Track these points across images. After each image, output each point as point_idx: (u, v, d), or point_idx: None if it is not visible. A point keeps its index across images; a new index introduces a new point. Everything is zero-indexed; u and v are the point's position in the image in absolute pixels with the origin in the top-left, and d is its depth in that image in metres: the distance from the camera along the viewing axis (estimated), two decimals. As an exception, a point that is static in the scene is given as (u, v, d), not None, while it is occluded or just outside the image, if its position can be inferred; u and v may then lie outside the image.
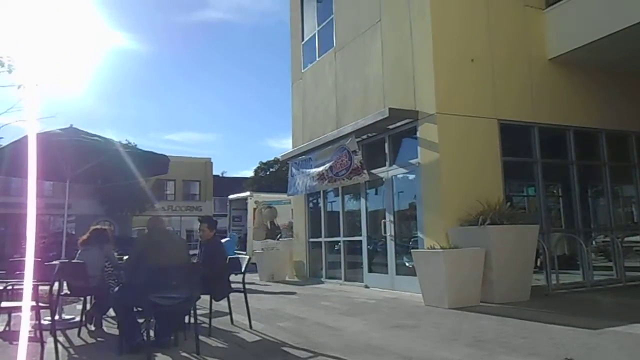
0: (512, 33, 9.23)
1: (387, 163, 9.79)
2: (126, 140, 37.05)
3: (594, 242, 10.79)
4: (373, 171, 10.22)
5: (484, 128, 8.61)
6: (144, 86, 76.64)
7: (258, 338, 5.49)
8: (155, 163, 7.70)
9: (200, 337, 4.97)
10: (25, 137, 6.27)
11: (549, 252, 8.32)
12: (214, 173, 45.17)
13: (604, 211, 10.28)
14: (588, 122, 9.60)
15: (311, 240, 12.67)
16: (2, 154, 6.52)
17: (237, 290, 6.06)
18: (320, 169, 10.86)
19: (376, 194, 10.66)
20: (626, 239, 10.49)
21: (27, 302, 4.25)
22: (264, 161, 42.13)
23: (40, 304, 4.94)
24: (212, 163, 44.06)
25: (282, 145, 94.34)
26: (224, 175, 49.59)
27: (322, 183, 10.99)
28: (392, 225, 9.52)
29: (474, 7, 9.00)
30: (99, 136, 6.99)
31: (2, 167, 6.52)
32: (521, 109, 9.00)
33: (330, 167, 10.50)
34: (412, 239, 9.24)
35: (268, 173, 40.92)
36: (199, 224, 6.54)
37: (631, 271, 9.56)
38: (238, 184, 37.93)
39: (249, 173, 44.83)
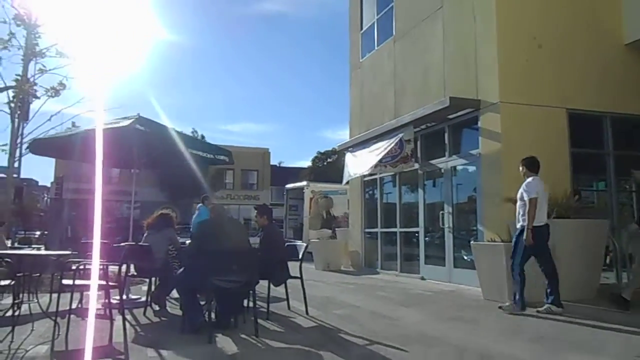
0: (585, 17, 8.74)
1: (447, 153, 9.58)
2: (192, 129, 38.27)
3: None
4: (432, 162, 10.05)
5: (550, 118, 8.23)
6: (202, 78, 78.85)
7: (314, 324, 5.55)
8: (217, 154, 7.91)
9: (259, 321, 5.09)
10: (89, 130, 6.65)
11: (619, 249, 7.87)
12: (272, 163, 45.90)
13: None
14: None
15: (367, 230, 12.64)
16: (74, 139, 6.90)
17: (295, 277, 6.14)
18: (375, 157, 10.71)
19: (434, 185, 10.47)
20: None
21: (94, 280, 4.51)
22: (322, 151, 42.33)
23: (109, 284, 5.21)
24: (269, 153, 44.76)
25: (338, 137, 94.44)
26: (281, 165, 50.29)
27: (365, 168, 10.94)
28: (451, 216, 9.33)
29: (542, -10, 8.60)
30: (164, 125, 7.27)
31: (74, 152, 6.89)
32: (592, 97, 8.52)
33: (378, 153, 10.38)
34: (471, 232, 9.02)
35: (325, 163, 41.08)
36: (256, 213, 6.68)
37: None
38: (295, 174, 38.39)
39: (306, 163, 45.29)
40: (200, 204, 11.38)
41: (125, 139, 6.76)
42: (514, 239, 6.44)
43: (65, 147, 7.16)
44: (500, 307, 6.25)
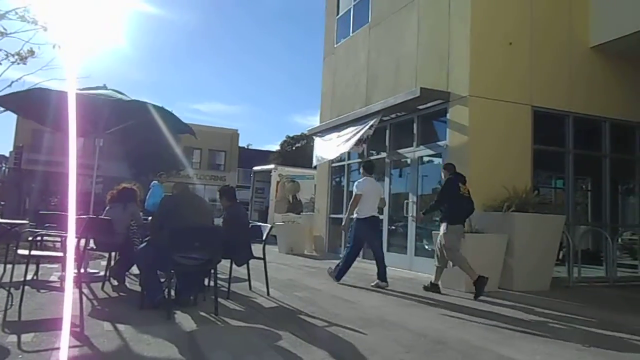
0: (554, 18, 8.95)
1: (415, 144, 9.70)
2: (161, 106, 37.41)
3: (619, 239, 10.57)
4: (399, 151, 10.16)
5: (516, 114, 8.43)
6: (171, 55, 77.10)
7: (275, 305, 5.58)
8: (181, 129, 7.77)
9: (219, 300, 5.07)
10: (59, 92, 6.41)
11: (573, 244, 8.18)
12: (240, 145, 45.44)
13: (634, 209, 10.03)
14: (626, 115, 9.30)
15: (332, 216, 12.72)
16: (40, 97, 6.61)
17: (258, 258, 6.14)
18: (341, 140, 10.76)
19: (400, 175, 10.60)
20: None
21: (70, 253, 4.41)
22: (291, 135, 42.12)
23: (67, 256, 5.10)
24: (238, 134, 44.26)
25: (308, 122, 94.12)
26: (250, 147, 49.84)
27: (339, 154, 11.10)
28: (415, 206, 9.48)
29: (516, -12, 8.73)
30: (130, 97, 7.08)
31: (38, 112, 6.61)
32: (557, 96, 8.77)
33: (349, 139, 10.44)
34: (434, 222, 9.18)
35: (294, 148, 40.92)
36: (219, 195, 6.59)
37: (657, 270, 9.37)
38: (263, 156, 38.12)
39: (275, 147, 45.00)
40: (154, 181, 11.13)
41: (92, 106, 6.53)
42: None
43: (29, 105, 6.84)
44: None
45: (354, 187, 7.62)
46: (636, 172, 9.72)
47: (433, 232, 8.06)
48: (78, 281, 5.07)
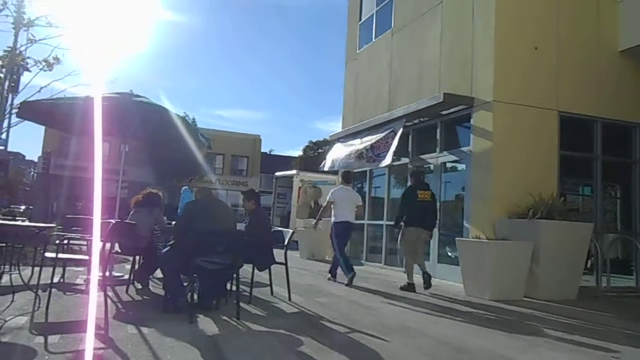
0: (582, 22, 8.79)
1: (438, 149, 9.61)
2: (184, 113, 37.98)
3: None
4: (422, 157, 10.08)
5: (542, 119, 8.29)
6: (196, 62, 78.13)
7: (296, 310, 5.57)
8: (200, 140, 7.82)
9: (241, 304, 5.09)
10: (84, 98, 6.54)
11: (601, 253, 7.98)
12: (262, 150, 45.74)
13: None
14: (657, 120, 9.06)
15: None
16: (66, 105, 6.75)
17: (279, 263, 6.16)
18: (361, 147, 10.67)
19: (429, 181, 10.47)
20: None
21: (95, 257, 4.49)
22: (314, 141, 42.24)
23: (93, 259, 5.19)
24: (261, 140, 44.60)
25: (330, 128, 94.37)
26: (272, 153, 50.11)
27: (359, 162, 10.80)
28: (439, 213, 9.35)
29: (542, -8, 8.61)
30: (156, 104, 7.19)
31: (64, 120, 6.75)
32: (584, 101, 8.59)
33: (372, 146, 10.31)
34: (457, 229, 9.07)
35: (316, 153, 40.99)
36: (243, 197, 6.67)
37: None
38: (285, 162, 38.26)
39: (297, 153, 45.14)
40: (184, 187, 11.29)
41: (119, 110, 6.64)
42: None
43: (55, 113, 6.98)
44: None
45: (329, 194, 8.49)
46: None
47: (456, 239, 7.98)
48: (103, 284, 5.17)
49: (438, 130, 9.63)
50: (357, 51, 13.37)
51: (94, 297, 3.91)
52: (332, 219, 8.22)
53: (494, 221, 7.65)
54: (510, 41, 8.33)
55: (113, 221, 5.57)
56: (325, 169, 12.80)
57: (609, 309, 6.72)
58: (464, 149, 8.80)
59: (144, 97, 6.91)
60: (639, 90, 8.92)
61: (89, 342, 3.59)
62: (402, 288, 7.47)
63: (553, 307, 6.47)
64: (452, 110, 9.06)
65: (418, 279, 7.49)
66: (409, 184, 8.10)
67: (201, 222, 5.03)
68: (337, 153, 11.88)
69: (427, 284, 7.29)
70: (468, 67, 8.81)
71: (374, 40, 12.53)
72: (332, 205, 8.25)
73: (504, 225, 7.49)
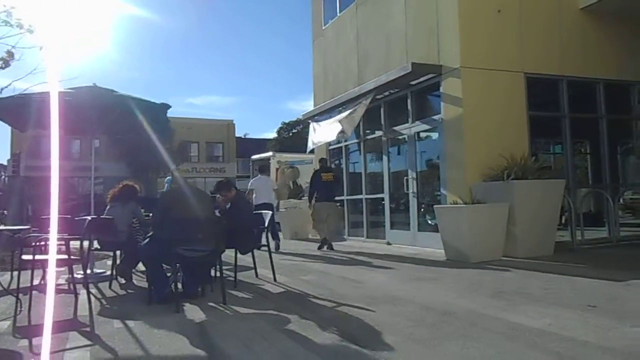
0: (542, -19, 8.84)
1: (410, 120, 9.67)
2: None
3: (621, 200, 10.58)
4: (395, 128, 10.14)
5: (509, 82, 8.38)
6: (163, 51, 76.39)
7: (282, 290, 5.62)
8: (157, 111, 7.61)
9: (227, 289, 5.10)
10: (46, 93, 6.35)
11: (574, 208, 8.20)
12: (237, 135, 45.40)
13: (634, 168, 10.02)
14: (620, 75, 9.24)
15: (334, 198, 12.71)
16: (27, 101, 6.54)
17: (262, 245, 6.18)
18: (335, 122, 10.66)
19: (398, 153, 10.58)
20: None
21: (52, 255, 4.42)
22: (287, 122, 42.04)
23: (72, 258, 5.12)
24: (234, 125, 44.24)
25: (303, 107, 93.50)
26: (247, 137, 49.77)
27: (342, 135, 10.81)
28: (415, 182, 9.48)
29: (501, -46, 8.61)
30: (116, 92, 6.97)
31: (28, 117, 6.56)
32: (549, 61, 8.71)
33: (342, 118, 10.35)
34: (435, 196, 9.21)
35: (291, 134, 40.88)
36: (217, 192, 6.67)
37: (659, 227, 9.42)
38: (261, 145, 38.06)
39: (271, 135, 44.94)
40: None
41: (80, 104, 6.48)
42: None
43: (18, 111, 6.77)
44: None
45: (249, 183, 10.40)
46: (633, 131, 9.69)
47: (434, 206, 8.10)
48: (85, 282, 5.13)
49: (409, 101, 9.67)
50: (323, 27, 13.25)
51: (51, 297, 3.85)
52: (253, 202, 9.64)
53: (470, 186, 7.77)
54: (473, 6, 8.35)
55: (89, 218, 5.50)
56: (309, 150, 12.88)
57: (584, 260, 6.95)
58: (436, 117, 8.87)
59: (110, 89, 6.74)
60: (601, 46, 9.07)
61: (74, 340, 3.58)
62: (319, 247, 9.79)
63: (531, 263, 6.65)
64: (421, 79, 9.09)
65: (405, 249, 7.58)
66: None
67: (178, 211, 4.99)
68: (317, 134, 11.89)
69: (328, 245, 9.69)
70: (434, 35, 8.83)
71: (338, 15, 12.43)
72: (253, 192, 10.01)
73: (480, 189, 7.62)
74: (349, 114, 10.11)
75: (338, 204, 10.35)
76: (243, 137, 48.69)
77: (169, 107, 7.11)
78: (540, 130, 9.37)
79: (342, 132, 10.13)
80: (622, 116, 9.71)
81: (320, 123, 11.77)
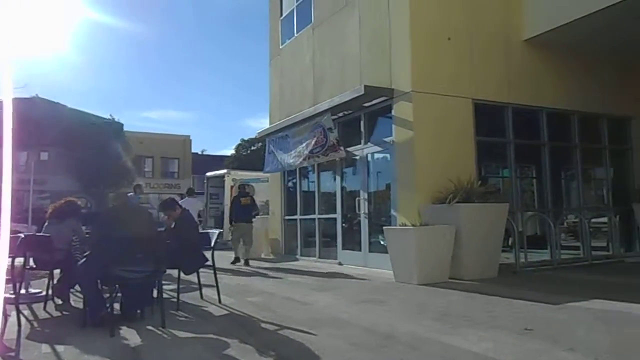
0: (491, 13, 9.20)
1: (363, 141, 9.78)
2: (110, 115, 36.39)
3: (565, 223, 11.00)
4: (349, 149, 10.22)
5: (458, 107, 8.62)
6: (120, 63, 74.80)
7: (226, 312, 5.49)
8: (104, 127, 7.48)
9: (170, 311, 4.95)
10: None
11: (517, 231, 8.45)
12: (194, 151, 44.74)
13: (577, 193, 10.44)
14: (560, 104, 9.70)
15: (287, 217, 12.67)
16: None
17: (208, 266, 6.04)
18: (298, 147, 10.80)
19: (354, 174, 10.66)
20: (597, 219, 10.73)
21: None
22: (246, 138, 41.77)
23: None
24: (191, 140, 43.56)
25: (262, 125, 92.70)
26: (204, 153, 49.11)
27: (298, 160, 10.91)
28: (366, 203, 9.56)
29: (452, -15, 8.94)
30: (65, 106, 6.80)
31: None
32: (497, 89, 9.03)
33: (307, 144, 10.45)
34: (387, 218, 9.30)
35: (249, 151, 40.61)
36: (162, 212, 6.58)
37: (597, 250, 9.82)
38: (218, 161, 37.60)
39: (230, 152, 44.48)
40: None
41: (20, 119, 6.22)
42: None
43: None
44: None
45: None
46: (574, 158, 10.12)
47: (384, 227, 8.17)
48: (16, 302, 4.86)
49: (362, 123, 9.80)
50: (280, 46, 13.32)
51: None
52: None
53: (419, 208, 7.90)
54: (424, 33, 8.58)
55: (22, 235, 5.24)
56: (264, 172, 13.07)
57: (525, 283, 7.14)
58: (387, 139, 9.00)
59: (54, 101, 6.52)
60: (544, 75, 9.50)
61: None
62: (232, 262, 10.98)
63: (476, 285, 6.78)
64: (374, 102, 9.23)
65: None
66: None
67: (117, 229, 4.83)
68: (274, 156, 12.07)
69: (245, 262, 10.91)
70: (386, 59, 9.01)
71: (295, 35, 12.53)
72: None
73: (429, 212, 7.75)
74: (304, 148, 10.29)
75: (252, 223, 11.66)
76: (200, 153, 48.03)
77: (118, 124, 6.99)
78: (489, 154, 9.67)
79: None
80: (563, 143, 10.12)
81: (277, 148, 11.85)
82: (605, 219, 10.53)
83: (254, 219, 14.07)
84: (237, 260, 11.20)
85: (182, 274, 5.99)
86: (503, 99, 9.09)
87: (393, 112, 8.78)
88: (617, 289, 6.48)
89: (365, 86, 8.78)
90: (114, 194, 6.35)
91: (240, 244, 11.45)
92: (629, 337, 4.14)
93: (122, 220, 4.94)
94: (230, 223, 11.57)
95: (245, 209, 11.42)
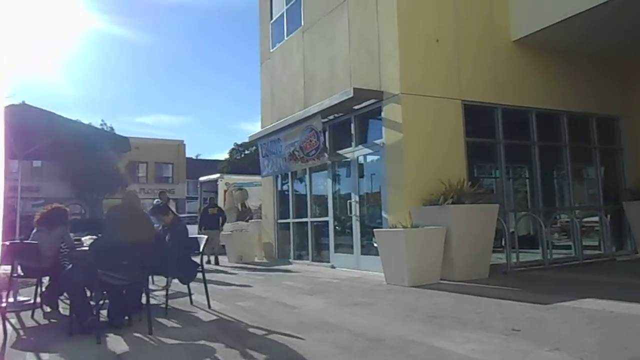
0: (479, 14, 9.24)
1: (353, 144, 9.78)
2: (101, 121, 36.17)
3: (558, 222, 11.03)
4: (339, 152, 10.24)
5: (448, 109, 8.64)
6: (113, 69, 74.57)
7: (214, 317, 5.47)
8: (115, 142, 7.51)
9: (158, 318, 4.92)
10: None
11: (508, 231, 8.46)
12: (188, 156, 44.68)
13: (568, 192, 10.47)
14: (550, 104, 9.74)
15: (280, 221, 12.66)
16: None
17: (201, 271, 6.03)
18: (291, 149, 10.81)
19: (345, 175, 10.67)
20: (588, 219, 10.77)
21: None
22: (239, 143, 41.72)
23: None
24: (184, 145, 43.55)
25: (256, 128, 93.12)
26: (198, 157, 49.04)
27: (294, 164, 10.95)
28: (358, 205, 9.56)
29: (439, -14, 8.96)
30: (55, 114, 6.78)
31: None
32: (486, 90, 9.05)
33: (301, 147, 10.46)
34: (379, 220, 9.29)
35: (243, 155, 40.56)
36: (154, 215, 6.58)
37: (589, 249, 9.85)
38: (212, 166, 37.55)
39: (223, 156, 44.42)
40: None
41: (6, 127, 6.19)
42: None
43: None
44: None
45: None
46: (564, 158, 10.16)
47: (374, 230, 8.17)
48: (2, 310, 4.83)
49: (352, 125, 9.80)
50: (271, 50, 13.33)
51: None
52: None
53: (410, 210, 7.90)
54: (413, 35, 8.60)
55: (7, 243, 5.21)
56: (262, 176, 13.04)
57: (516, 283, 7.15)
58: (377, 141, 9.01)
59: (38, 109, 6.50)
60: (533, 76, 9.53)
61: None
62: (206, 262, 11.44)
63: (466, 287, 6.78)
64: (363, 104, 9.24)
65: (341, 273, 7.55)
66: None
67: (116, 230, 4.79)
68: (268, 160, 12.19)
69: (215, 261, 12.33)
70: (376, 61, 9.02)
71: (286, 38, 12.54)
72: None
73: (419, 213, 7.76)
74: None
75: (220, 230, 13.06)
76: (195, 157, 47.95)
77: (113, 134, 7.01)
78: (480, 155, 9.69)
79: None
80: (553, 143, 10.15)
81: (270, 151, 11.88)
82: (596, 218, 10.57)
83: (248, 222, 14.36)
84: (209, 262, 12.14)
85: (169, 281, 5.95)
86: (492, 100, 9.11)
87: (383, 115, 8.79)
88: (607, 288, 6.49)
89: (355, 89, 8.78)
90: (126, 191, 6.29)
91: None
92: (615, 337, 4.15)
93: (121, 222, 4.90)
94: (200, 229, 12.60)
95: (212, 217, 12.98)
